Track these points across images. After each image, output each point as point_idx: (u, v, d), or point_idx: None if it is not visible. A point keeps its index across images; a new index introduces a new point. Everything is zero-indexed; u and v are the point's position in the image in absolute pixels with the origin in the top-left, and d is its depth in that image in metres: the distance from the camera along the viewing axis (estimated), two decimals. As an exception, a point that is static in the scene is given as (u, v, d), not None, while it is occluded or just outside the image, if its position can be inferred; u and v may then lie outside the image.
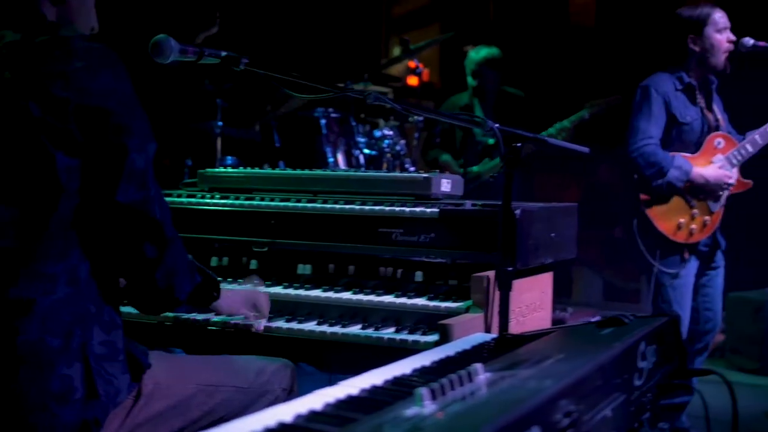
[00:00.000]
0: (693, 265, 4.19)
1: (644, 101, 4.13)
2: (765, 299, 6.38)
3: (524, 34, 9.12)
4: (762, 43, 4.03)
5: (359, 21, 8.35)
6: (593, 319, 2.07)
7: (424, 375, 1.67)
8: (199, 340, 2.72)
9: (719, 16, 4.10)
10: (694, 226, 4.11)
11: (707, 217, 4.14)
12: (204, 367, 2.33)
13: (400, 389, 1.50)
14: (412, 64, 5.23)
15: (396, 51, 9.82)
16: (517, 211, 2.52)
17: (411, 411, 1.23)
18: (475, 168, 5.57)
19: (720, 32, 4.09)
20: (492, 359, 1.64)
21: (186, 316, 2.68)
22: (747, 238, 7.50)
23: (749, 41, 4.05)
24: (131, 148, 2.00)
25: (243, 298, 2.59)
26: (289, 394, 2.37)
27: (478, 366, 1.43)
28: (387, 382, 1.57)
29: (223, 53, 2.33)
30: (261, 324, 2.59)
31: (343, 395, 1.44)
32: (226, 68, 2.35)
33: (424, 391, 1.26)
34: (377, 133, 4.78)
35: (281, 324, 2.60)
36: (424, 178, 2.86)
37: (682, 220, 4.09)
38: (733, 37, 4.09)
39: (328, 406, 1.37)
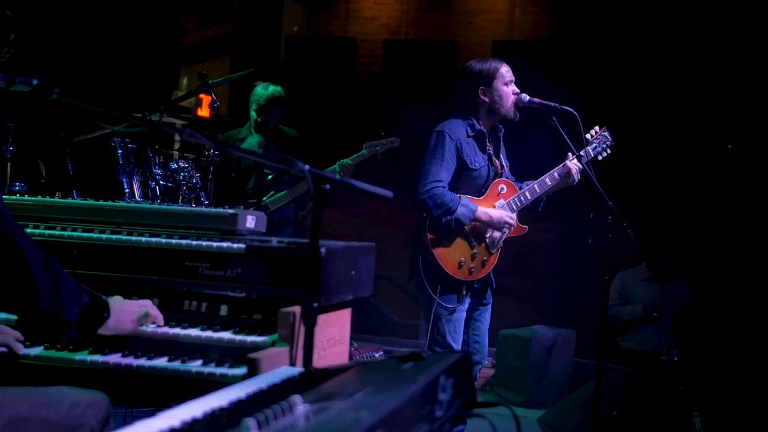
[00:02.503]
0: (467, 300, 4.47)
1: (438, 146, 4.34)
2: (532, 336, 6.85)
3: (312, 78, 9.37)
4: (537, 100, 4.39)
5: (152, 51, 8.25)
6: (377, 354, 2.20)
7: (241, 406, 1.72)
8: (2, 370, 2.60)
9: (506, 70, 4.44)
10: (473, 265, 4.38)
11: (486, 258, 4.43)
12: (15, 399, 2.26)
13: (222, 420, 1.55)
14: (208, 97, 5.25)
15: (185, 81, 9.78)
16: (323, 250, 2.62)
17: (239, 441, 1.30)
18: (265, 199, 5.68)
19: (507, 85, 4.42)
20: (305, 391, 1.73)
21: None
22: (518, 280, 8.05)
23: (526, 97, 4.40)
24: None
25: (131, 315, 2.57)
26: (104, 428, 2.34)
27: (297, 398, 1.52)
28: (206, 414, 1.61)
29: (35, 81, 2.31)
30: (21, 348, 2.51)
31: (166, 427, 1.47)
32: (39, 96, 2.33)
33: (251, 421, 1.33)
34: (173, 165, 4.77)
35: (85, 357, 2.56)
36: (231, 214, 2.92)
37: (463, 259, 4.35)
38: (517, 90, 4.43)
39: (154, 438, 1.41)
